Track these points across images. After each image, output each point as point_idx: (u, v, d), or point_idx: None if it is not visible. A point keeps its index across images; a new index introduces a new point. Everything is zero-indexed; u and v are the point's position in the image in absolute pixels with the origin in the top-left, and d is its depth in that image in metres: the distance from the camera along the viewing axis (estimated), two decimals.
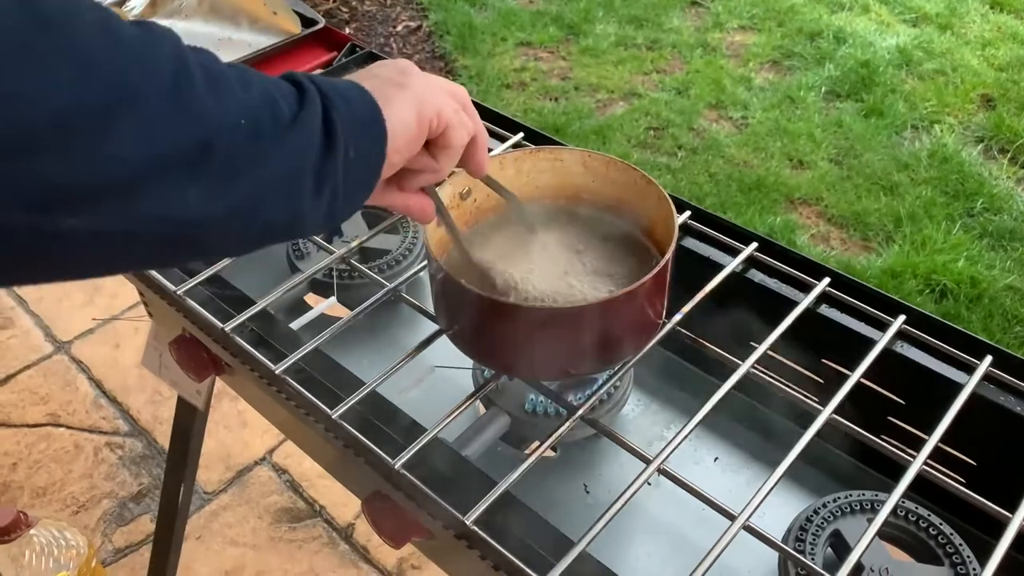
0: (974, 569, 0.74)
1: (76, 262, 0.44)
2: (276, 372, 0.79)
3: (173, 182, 0.43)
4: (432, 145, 0.62)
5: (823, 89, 2.96)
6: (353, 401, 0.76)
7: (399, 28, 3.39)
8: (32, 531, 1.38)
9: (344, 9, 3.46)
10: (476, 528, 0.67)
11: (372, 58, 1.28)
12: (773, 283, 0.91)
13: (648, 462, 0.72)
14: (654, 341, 0.79)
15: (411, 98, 0.59)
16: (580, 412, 0.76)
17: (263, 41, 1.35)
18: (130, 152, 0.40)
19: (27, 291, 2.27)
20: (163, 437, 1.89)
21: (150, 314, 1.11)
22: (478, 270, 0.76)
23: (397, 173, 0.61)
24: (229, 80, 0.46)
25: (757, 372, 0.80)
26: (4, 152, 0.36)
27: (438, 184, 0.71)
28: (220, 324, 0.84)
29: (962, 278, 2.21)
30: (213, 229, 0.46)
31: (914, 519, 0.78)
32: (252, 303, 0.87)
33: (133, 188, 0.41)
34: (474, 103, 1.13)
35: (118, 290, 2.24)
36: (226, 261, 0.92)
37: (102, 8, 0.41)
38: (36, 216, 0.38)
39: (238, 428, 1.91)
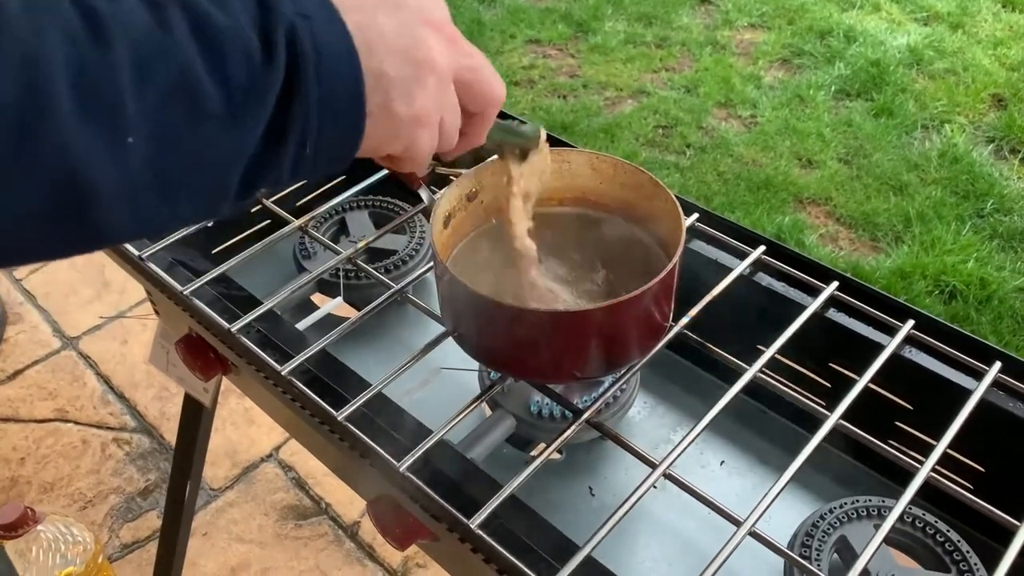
0: None
1: None
2: (282, 373, 0.79)
3: (26, 239, 0.36)
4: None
5: (833, 88, 2.94)
6: (359, 403, 0.76)
7: None
8: (39, 527, 1.38)
9: None
10: (481, 532, 0.67)
11: None
12: (781, 286, 0.90)
13: (654, 466, 0.72)
14: (661, 344, 0.79)
15: (389, 126, 0.47)
16: (586, 415, 0.75)
17: None
18: None
19: (36, 286, 2.28)
20: (170, 433, 1.90)
21: (157, 312, 1.11)
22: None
23: None
24: (119, 80, 0.35)
25: (764, 376, 0.79)
26: None
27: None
28: (226, 324, 0.84)
29: (972, 279, 2.20)
30: (109, 245, 0.41)
31: (921, 526, 0.77)
32: (259, 303, 0.87)
33: None
34: None
35: (126, 286, 2.25)
36: (233, 261, 0.92)
37: None
38: None
39: (245, 425, 1.91)
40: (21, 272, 2.32)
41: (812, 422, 0.75)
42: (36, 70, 0.32)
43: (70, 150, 0.33)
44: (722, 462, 0.90)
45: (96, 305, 2.21)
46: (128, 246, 0.93)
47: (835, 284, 0.87)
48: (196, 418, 1.23)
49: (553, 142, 1.06)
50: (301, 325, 0.94)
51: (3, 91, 0.31)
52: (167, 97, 0.36)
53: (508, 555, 0.66)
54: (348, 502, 1.75)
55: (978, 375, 0.79)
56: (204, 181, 0.39)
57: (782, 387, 0.80)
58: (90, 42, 0.34)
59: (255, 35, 0.39)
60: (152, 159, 0.36)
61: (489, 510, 0.68)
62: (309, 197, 1.18)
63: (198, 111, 0.37)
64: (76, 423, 1.93)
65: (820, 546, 0.75)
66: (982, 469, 0.81)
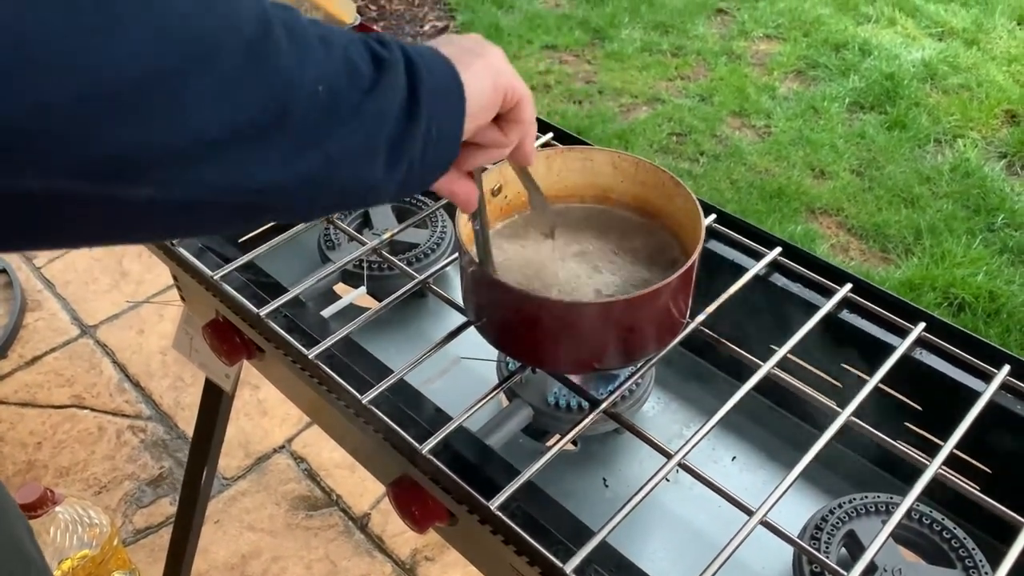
0: (986, 573, 0.75)
1: (148, 227, 0.44)
2: (309, 357, 0.81)
3: (247, 148, 0.42)
4: (502, 119, 0.61)
5: (847, 100, 2.96)
6: (383, 387, 0.78)
7: (426, 28, 3.42)
8: (58, 508, 1.41)
9: (372, 7, 3.49)
10: (500, 513, 0.69)
11: None
12: (795, 287, 0.92)
13: (669, 456, 0.74)
14: (677, 340, 0.81)
15: (488, 66, 0.57)
16: (603, 405, 0.78)
17: None
18: (206, 116, 0.39)
19: (55, 275, 2.31)
20: (184, 422, 1.92)
21: (183, 298, 1.13)
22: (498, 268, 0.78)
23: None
24: (311, 41, 0.45)
25: (777, 374, 0.81)
26: (76, 117, 0.35)
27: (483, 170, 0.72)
28: (255, 309, 0.86)
29: (981, 292, 2.21)
30: (284, 196, 0.46)
31: (928, 523, 0.79)
32: (285, 290, 0.90)
33: (206, 154, 0.40)
34: None
35: (144, 276, 2.28)
36: (260, 249, 0.95)
37: None
38: (109, 184, 0.38)
39: (258, 416, 1.93)
40: (41, 260, 2.35)
41: (823, 421, 0.77)
42: (265, 11, 0.43)
43: (284, 73, 0.43)
44: (734, 458, 0.92)
45: (114, 294, 2.24)
46: None
47: (848, 286, 0.89)
48: (215, 404, 1.25)
49: (573, 141, 1.08)
50: (325, 313, 0.96)
51: (243, 21, 0.41)
52: (340, 65, 0.47)
53: (526, 536, 0.68)
54: (358, 494, 1.77)
55: (987, 378, 0.81)
56: (358, 137, 0.48)
57: (794, 385, 0.82)
58: (289, 12, 0.44)
59: (375, 43, 0.50)
60: (324, 108, 0.45)
61: (508, 493, 0.70)
62: None
63: (356, 84, 0.47)
64: (92, 410, 1.96)
65: (829, 539, 0.77)
66: (988, 470, 0.83)
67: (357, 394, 0.78)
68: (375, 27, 1.37)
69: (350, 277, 1.04)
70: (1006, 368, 0.81)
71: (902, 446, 0.76)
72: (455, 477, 0.72)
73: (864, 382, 0.80)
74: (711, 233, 0.97)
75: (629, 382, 0.81)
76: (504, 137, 0.62)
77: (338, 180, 0.48)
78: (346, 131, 0.47)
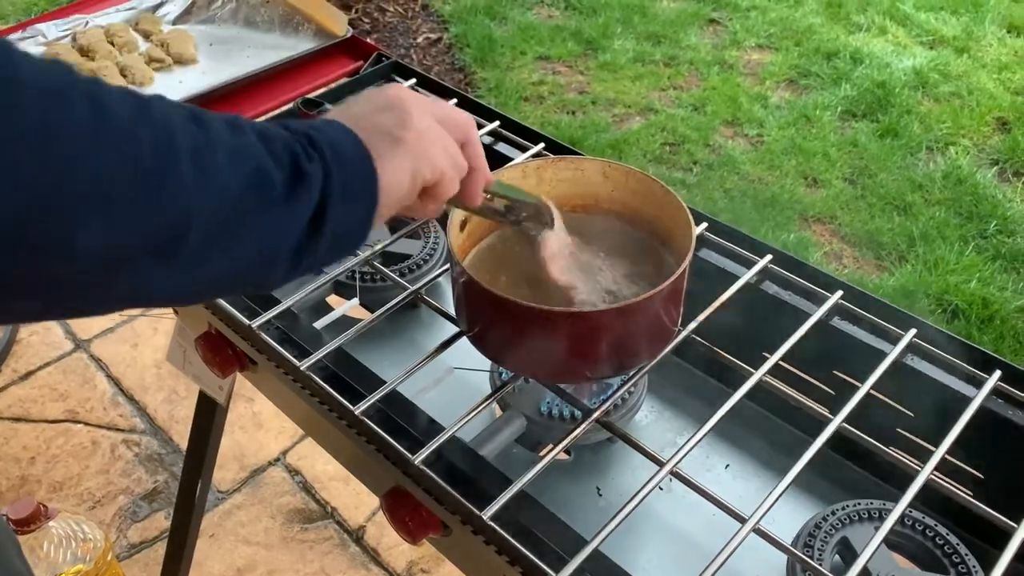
0: None
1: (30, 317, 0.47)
2: (301, 368, 0.81)
3: (139, 269, 0.43)
4: (424, 193, 0.62)
5: (839, 109, 2.97)
6: (375, 398, 0.78)
7: (419, 40, 3.43)
8: (51, 523, 1.40)
9: (366, 20, 3.50)
10: (493, 524, 0.69)
11: (397, 68, 1.31)
12: (787, 295, 0.93)
13: (661, 465, 0.74)
14: (669, 348, 0.81)
15: (407, 154, 0.57)
16: (596, 414, 0.78)
17: (296, 46, 1.38)
18: (96, 243, 0.40)
19: None
20: (178, 436, 1.92)
21: (176, 311, 1.13)
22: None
23: None
24: (219, 161, 0.46)
25: (769, 382, 0.81)
26: None
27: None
28: (247, 321, 0.86)
29: (974, 299, 2.22)
30: (187, 299, 0.50)
31: (921, 528, 0.79)
32: (277, 302, 0.90)
33: (95, 278, 0.42)
34: (497, 113, 1.16)
35: None
36: None
37: (93, 89, 0.41)
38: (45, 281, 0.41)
39: (253, 429, 1.93)
40: None
41: (816, 428, 0.77)
42: (169, 134, 0.44)
43: (181, 197, 0.43)
44: (727, 465, 0.92)
45: None
46: None
47: (839, 293, 0.89)
48: (210, 416, 1.25)
49: (565, 151, 1.09)
50: (318, 325, 0.96)
51: (142, 147, 0.42)
52: (249, 180, 0.47)
53: (519, 546, 0.68)
54: (354, 507, 1.77)
55: (978, 383, 0.81)
56: (258, 249, 0.49)
57: (786, 393, 0.82)
58: (198, 130, 0.45)
59: (298, 142, 0.51)
60: (226, 224, 0.46)
61: (501, 503, 0.70)
62: None
63: (265, 197, 0.48)
64: (86, 424, 1.95)
65: (822, 547, 0.77)
66: (981, 475, 0.83)
67: (349, 405, 0.78)
68: (368, 39, 1.38)
69: (343, 288, 1.05)
70: (997, 373, 0.81)
71: (894, 452, 0.76)
72: (448, 488, 0.72)
73: (856, 388, 0.80)
74: (703, 241, 0.97)
75: (622, 391, 0.81)
76: (423, 207, 0.64)
77: (238, 284, 0.51)
78: (248, 243, 0.48)
